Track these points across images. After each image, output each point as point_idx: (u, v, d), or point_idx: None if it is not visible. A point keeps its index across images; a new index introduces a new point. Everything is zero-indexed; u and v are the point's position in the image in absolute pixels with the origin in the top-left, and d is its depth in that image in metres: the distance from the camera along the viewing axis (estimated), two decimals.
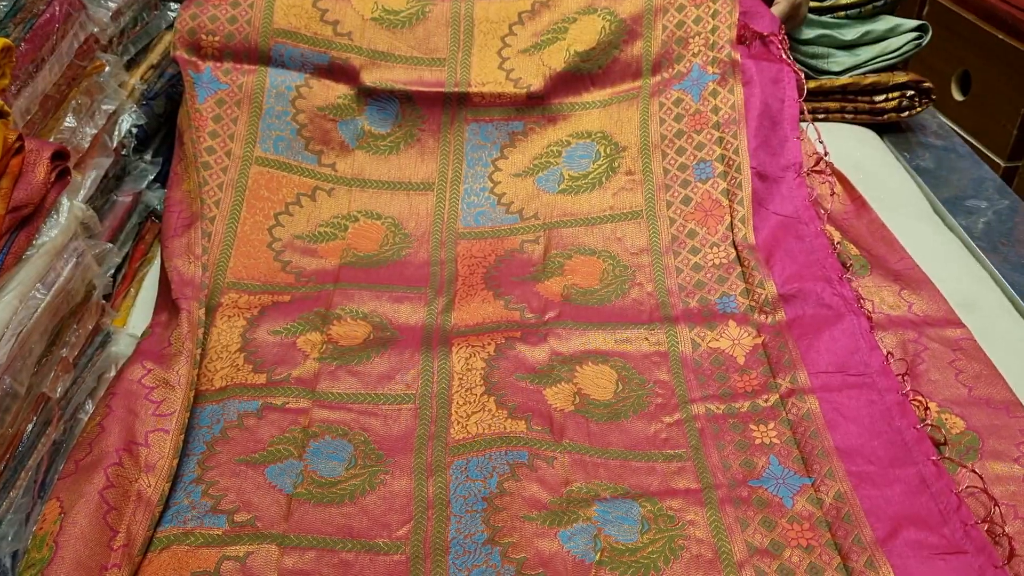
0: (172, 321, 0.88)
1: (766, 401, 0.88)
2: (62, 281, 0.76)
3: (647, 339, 0.94)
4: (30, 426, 0.73)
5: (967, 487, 0.77)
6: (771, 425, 0.85)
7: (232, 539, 0.73)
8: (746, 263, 1.00)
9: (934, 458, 0.79)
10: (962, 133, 1.75)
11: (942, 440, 0.82)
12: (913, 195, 1.21)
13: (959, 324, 0.95)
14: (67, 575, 0.65)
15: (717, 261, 1.02)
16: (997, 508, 0.74)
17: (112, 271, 0.91)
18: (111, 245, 0.86)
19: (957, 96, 1.81)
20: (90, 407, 0.82)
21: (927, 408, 0.84)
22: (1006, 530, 0.73)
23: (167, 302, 0.91)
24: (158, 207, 1.05)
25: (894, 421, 0.83)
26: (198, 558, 0.72)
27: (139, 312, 0.97)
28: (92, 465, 0.73)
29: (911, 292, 0.98)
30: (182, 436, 0.79)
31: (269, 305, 0.96)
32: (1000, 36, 1.68)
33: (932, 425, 0.83)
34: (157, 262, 1.02)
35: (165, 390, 0.80)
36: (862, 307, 0.93)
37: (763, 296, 0.96)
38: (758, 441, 0.84)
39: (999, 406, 0.86)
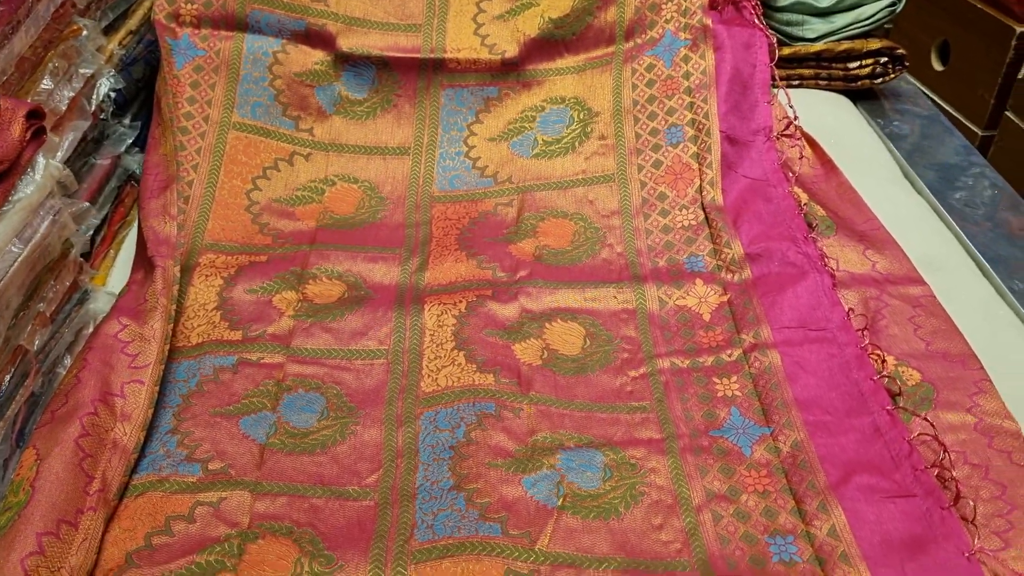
0: (148, 279, 0.90)
1: (730, 356, 0.90)
2: (39, 237, 0.78)
3: (615, 297, 0.96)
4: (8, 377, 0.75)
5: (919, 435, 0.79)
6: (733, 378, 0.88)
7: (206, 486, 0.76)
8: (714, 224, 1.02)
9: (889, 408, 0.81)
10: (941, 103, 1.77)
11: (897, 391, 0.84)
12: (885, 160, 1.23)
13: (921, 282, 0.97)
14: (43, 517, 0.67)
15: (686, 223, 1.04)
16: (947, 454, 0.77)
17: (91, 232, 0.93)
18: (88, 204, 0.88)
19: (937, 66, 1.83)
20: (68, 362, 0.84)
21: (884, 361, 0.87)
22: (954, 474, 0.76)
23: (144, 261, 0.93)
24: (137, 171, 1.07)
25: (852, 373, 0.85)
26: (173, 503, 0.74)
27: (118, 273, 0.99)
28: (68, 415, 0.75)
29: (875, 252, 1.00)
30: (157, 388, 0.81)
31: (246, 265, 0.98)
32: (979, 6, 1.69)
33: (888, 376, 0.85)
34: (136, 225, 1.04)
35: (140, 343, 0.82)
36: (826, 265, 0.96)
37: (730, 256, 0.98)
38: (720, 393, 0.86)
39: (955, 359, 0.88)
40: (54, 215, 0.80)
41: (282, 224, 1.04)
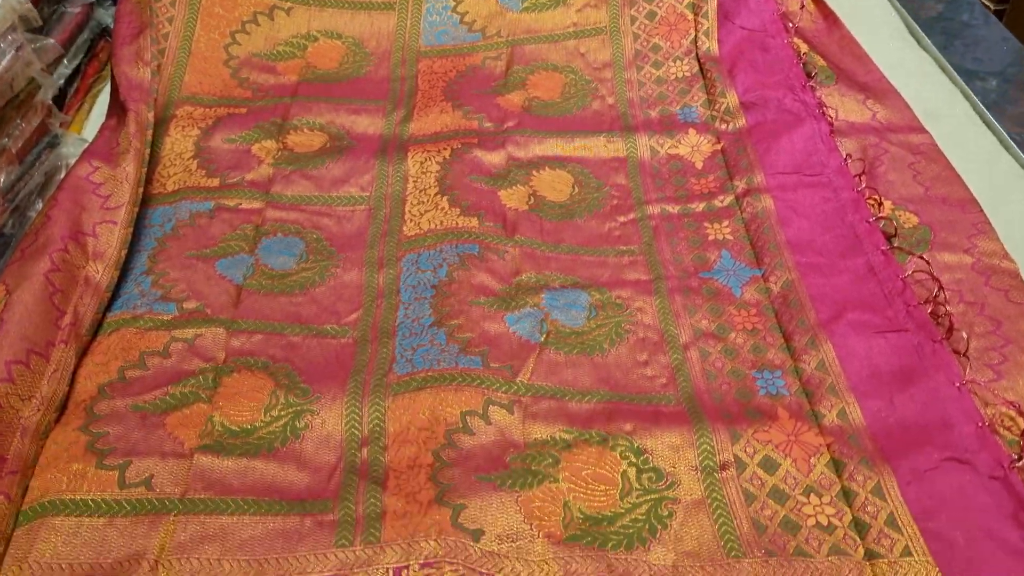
0: (121, 124, 0.87)
1: (722, 201, 0.87)
2: (0, 70, 0.75)
3: (606, 146, 0.93)
4: None
5: (914, 272, 0.77)
6: (725, 223, 0.85)
7: (181, 323, 0.74)
8: (708, 75, 0.98)
9: (883, 248, 0.79)
10: None
11: (893, 232, 0.82)
12: (890, 18, 1.18)
13: (922, 130, 0.94)
14: (12, 346, 0.66)
15: (680, 74, 1.00)
16: (942, 291, 0.75)
17: (62, 81, 0.90)
18: (52, 40, 0.85)
19: None
20: (40, 206, 0.82)
21: (881, 204, 0.84)
22: (948, 309, 0.74)
23: (117, 108, 0.89)
24: (111, 25, 1.03)
25: (847, 216, 0.83)
26: (147, 339, 0.73)
27: (92, 125, 0.96)
28: (37, 251, 0.73)
29: (876, 101, 0.97)
30: (130, 230, 0.79)
31: (224, 116, 0.94)
32: None
33: (885, 219, 0.82)
34: (110, 78, 1.00)
35: (113, 185, 0.80)
36: (823, 113, 0.92)
37: (724, 105, 0.95)
38: (711, 237, 0.84)
39: (954, 203, 0.85)
40: (16, 49, 0.77)
41: (263, 78, 1.01)
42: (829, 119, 0.92)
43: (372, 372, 0.71)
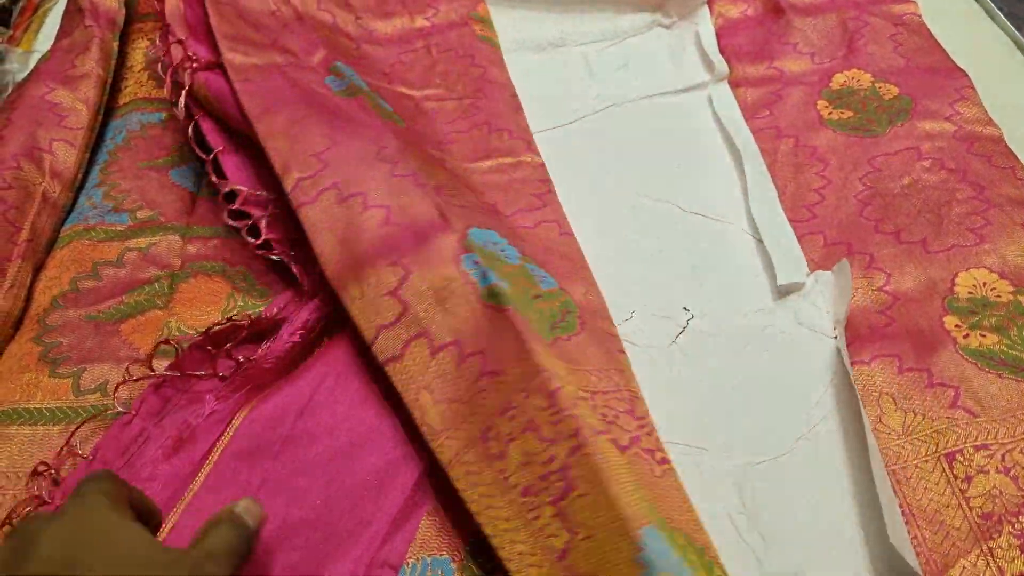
0: (77, 46, 0.83)
1: None
2: None
3: None
4: None
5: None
6: None
7: (135, 233, 0.72)
8: None
9: None
10: None
11: None
12: None
13: (907, 0, 0.90)
14: None
15: None
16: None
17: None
18: None
19: None
20: None
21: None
22: (931, 179, 0.71)
23: (72, 28, 0.85)
24: None
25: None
26: (100, 250, 0.70)
27: (42, 44, 0.93)
28: None
29: None
30: (87, 155, 0.77)
31: None
32: None
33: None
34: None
35: (72, 106, 0.77)
36: None
37: None
38: None
39: (936, 71, 0.82)
40: None
41: None
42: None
43: None
